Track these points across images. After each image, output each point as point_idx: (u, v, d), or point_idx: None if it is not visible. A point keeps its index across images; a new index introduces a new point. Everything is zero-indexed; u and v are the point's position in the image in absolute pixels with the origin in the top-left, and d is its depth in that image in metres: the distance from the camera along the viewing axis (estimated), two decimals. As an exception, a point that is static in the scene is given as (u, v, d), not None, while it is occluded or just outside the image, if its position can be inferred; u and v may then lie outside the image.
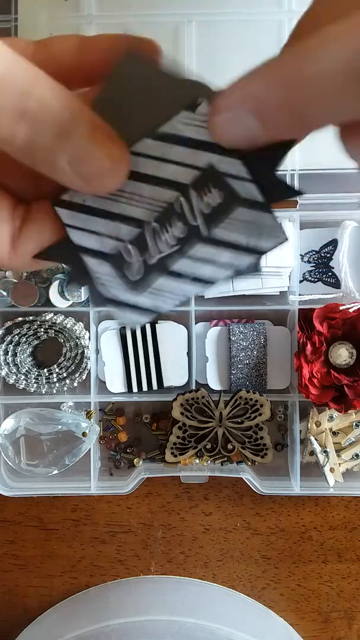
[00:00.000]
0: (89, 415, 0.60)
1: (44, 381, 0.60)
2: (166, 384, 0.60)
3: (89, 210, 0.25)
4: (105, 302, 0.27)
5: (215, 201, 0.25)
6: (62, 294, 0.59)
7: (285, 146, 0.23)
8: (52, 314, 0.59)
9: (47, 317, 0.59)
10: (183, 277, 0.27)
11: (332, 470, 0.59)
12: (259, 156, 0.24)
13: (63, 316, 0.59)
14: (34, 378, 0.60)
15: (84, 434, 0.59)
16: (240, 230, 0.26)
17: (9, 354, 0.60)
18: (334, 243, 0.60)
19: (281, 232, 0.26)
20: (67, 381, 0.60)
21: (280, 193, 0.25)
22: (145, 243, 0.26)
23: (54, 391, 0.60)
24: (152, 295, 0.28)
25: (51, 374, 0.60)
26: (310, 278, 0.61)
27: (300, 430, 0.60)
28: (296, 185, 0.59)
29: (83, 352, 0.60)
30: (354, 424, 0.60)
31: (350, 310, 0.57)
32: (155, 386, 0.60)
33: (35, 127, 0.21)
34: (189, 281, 0.27)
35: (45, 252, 0.26)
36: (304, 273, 0.61)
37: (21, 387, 0.60)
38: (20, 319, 0.59)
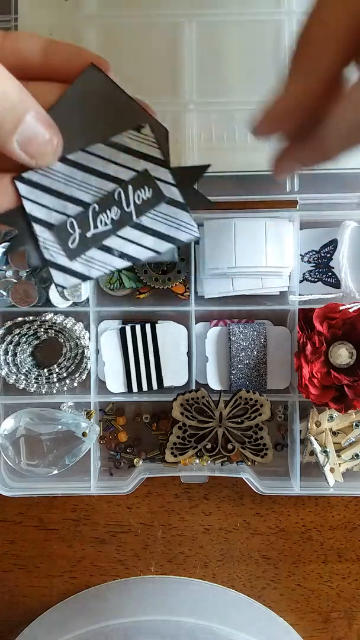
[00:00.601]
0: (89, 415, 0.60)
1: (44, 381, 0.60)
2: (166, 384, 0.60)
3: (44, 189, 0.32)
4: (43, 262, 0.34)
5: (145, 196, 0.33)
6: (62, 294, 0.59)
7: (204, 168, 0.33)
8: (52, 314, 0.59)
9: (47, 317, 0.59)
10: (112, 252, 0.34)
11: (332, 470, 0.59)
12: (184, 171, 0.33)
13: (63, 316, 0.59)
14: (34, 378, 0.60)
15: (84, 434, 0.59)
16: (162, 221, 0.34)
17: (9, 354, 0.60)
18: (334, 243, 0.60)
19: (194, 230, 0.34)
20: (67, 381, 0.60)
21: (195, 201, 0.33)
22: (86, 220, 0.33)
23: (54, 391, 0.60)
24: (84, 263, 0.34)
25: (51, 374, 0.60)
26: (310, 278, 0.61)
27: (300, 430, 0.60)
28: (296, 186, 0.59)
29: (83, 352, 0.60)
30: (354, 424, 0.60)
31: (350, 310, 0.57)
32: (155, 386, 0.60)
33: None
34: (117, 256, 0.34)
35: (1, 216, 0.32)
36: (304, 273, 0.61)
37: (21, 387, 0.60)
38: (20, 319, 0.59)
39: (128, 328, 0.60)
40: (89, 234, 0.34)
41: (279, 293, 0.60)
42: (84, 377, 0.60)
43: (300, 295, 0.59)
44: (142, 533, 0.63)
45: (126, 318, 0.61)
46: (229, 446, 0.58)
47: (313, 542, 0.63)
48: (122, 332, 0.60)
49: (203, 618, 0.56)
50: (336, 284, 0.60)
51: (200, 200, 0.34)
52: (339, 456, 0.60)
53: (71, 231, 0.33)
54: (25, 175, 0.32)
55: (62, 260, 0.34)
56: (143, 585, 0.63)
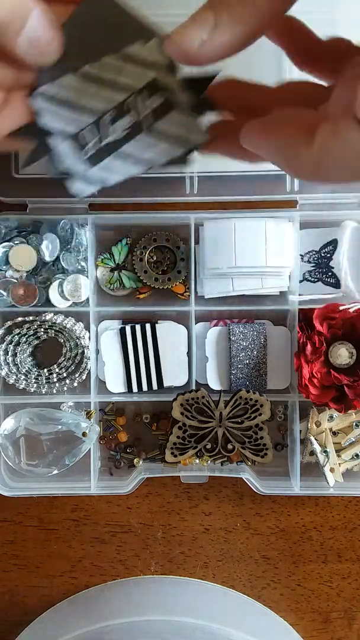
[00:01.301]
0: (89, 415, 0.60)
1: (44, 381, 0.60)
2: (166, 384, 0.60)
3: (58, 101, 0.33)
4: (60, 172, 0.35)
5: (157, 103, 0.34)
6: (62, 294, 0.59)
7: (213, 76, 0.33)
8: (52, 314, 0.59)
9: (47, 317, 0.59)
10: (127, 158, 0.35)
11: (332, 470, 0.59)
12: (194, 79, 0.33)
13: (63, 316, 0.59)
14: (34, 378, 0.60)
15: (84, 434, 0.59)
16: (174, 126, 0.34)
17: (9, 354, 0.60)
18: (334, 243, 0.60)
19: (203, 134, 0.34)
20: (67, 381, 0.60)
21: (204, 107, 0.34)
22: (100, 130, 0.34)
23: (54, 391, 0.60)
24: (101, 170, 0.35)
25: (51, 374, 0.60)
26: (310, 278, 0.61)
27: (300, 430, 0.60)
28: (296, 186, 0.59)
29: (83, 352, 0.60)
30: (354, 424, 0.60)
31: (350, 310, 0.57)
32: (155, 386, 0.60)
33: (3, 11, 0.28)
34: (132, 162, 0.35)
35: (16, 131, 0.33)
36: (304, 273, 0.61)
37: (21, 387, 0.60)
38: (20, 319, 0.59)
39: (128, 328, 0.60)
40: (104, 143, 0.35)
41: (279, 293, 0.60)
42: (84, 377, 0.60)
43: (300, 295, 0.59)
44: (142, 533, 0.63)
45: (126, 318, 0.61)
46: (229, 446, 0.58)
47: (313, 542, 0.63)
48: (122, 332, 0.60)
49: (203, 618, 0.56)
50: (336, 284, 0.60)
51: (208, 107, 0.35)
52: (339, 456, 0.60)
53: (87, 140, 0.35)
54: (39, 90, 0.32)
55: (79, 168, 0.36)
56: (143, 585, 0.63)
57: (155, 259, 0.61)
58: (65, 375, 0.60)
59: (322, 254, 0.61)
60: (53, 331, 0.60)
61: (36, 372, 0.61)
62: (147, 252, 0.61)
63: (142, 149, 0.35)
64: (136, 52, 0.33)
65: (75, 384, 0.60)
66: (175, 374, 0.60)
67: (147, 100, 0.34)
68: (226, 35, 0.26)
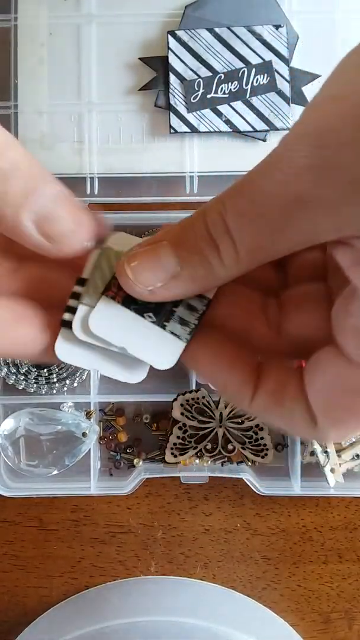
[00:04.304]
0: (88, 415, 0.60)
1: (44, 381, 0.60)
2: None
3: (188, 48, 0.44)
4: (167, 106, 0.47)
5: (263, 81, 0.43)
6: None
7: (316, 75, 0.44)
8: (52, 314, 0.59)
9: (47, 317, 0.59)
10: (221, 116, 0.46)
11: (332, 470, 0.59)
12: (300, 72, 0.44)
13: (63, 316, 0.59)
14: (34, 378, 0.60)
15: (83, 434, 0.59)
16: (267, 106, 0.45)
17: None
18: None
19: (289, 121, 0.44)
20: (67, 381, 0.60)
21: (299, 100, 0.45)
22: (211, 84, 0.44)
23: (54, 391, 0.60)
24: (197, 118, 0.47)
25: (51, 374, 0.60)
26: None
27: (301, 431, 0.60)
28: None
29: (83, 352, 0.60)
30: (355, 424, 0.60)
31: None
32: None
33: (4, 183, 0.22)
34: (223, 120, 0.46)
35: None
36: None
37: (21, 387, 0.60)
38: (20, 319, 0.59)
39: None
40: (209, 96, 0.42)
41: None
42: (83, 377, 0.60)
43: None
44: (142, 533, 0.63)
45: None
46: (229, 446, 0.58)
47: (313, 543, 0.63)
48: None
49: (203, 619, 0.56)
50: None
51: (302, 100, 0.41)
52: (339, 456, 0.60)
53: (197, 89, 0.42)
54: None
55: (182, 109, 0.43)
56: (143, 585, 0.63)
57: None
58: (65, 375, 0.60)
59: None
60: (53, 331, 0.60)
61: (36, 372, 0.60)
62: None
63: (236, 113, 0.43)
64: (266, 34, 0.43)
65: (75, 384, 0.60)
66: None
67: (257, 75, 0.43)
68: (180, 289, 0.23)
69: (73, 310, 0.25)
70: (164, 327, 0.24)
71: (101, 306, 0.24)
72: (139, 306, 0.24)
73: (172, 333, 0.24)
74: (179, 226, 0.23)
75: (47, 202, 0.23)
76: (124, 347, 0.24)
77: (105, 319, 0.24)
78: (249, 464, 0.58)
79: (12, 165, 0.22)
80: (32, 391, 0.60)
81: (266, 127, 0.44)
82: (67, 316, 0.25)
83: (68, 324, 0.25)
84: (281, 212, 0.20)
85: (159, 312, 0.24)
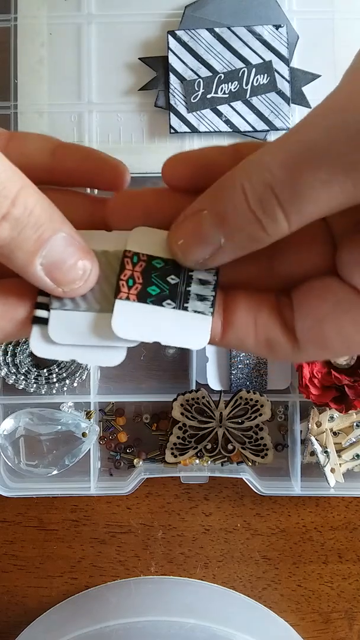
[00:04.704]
0: (88, 415, 0.60)
1: (44, 381, 0.60)
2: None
3: (188, 49, 0.44)
4: (168, 106, 0.46)
5: (263, 81, 0.42)
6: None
7: (315, 75, 0.46)
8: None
9: (47, 317, 0.59)
10: (221, 116, 0.46)
11: (332, 470, 0.59)
12: (300, 73, 0.44)
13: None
14: (34, 378, 0.60)
15: (83, 434, 0.59)
16: (267, 106, 0.44)
17: (9, 354, 0.60)
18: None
19: (289, 121, 0.44)
20: (67, 381, 0.60)
21: (300, 100, 0.47)
22: (211, 84, 0.44)
23: (54, 391, 0.60)
24: (197, 118, 0.46)
25: (51, 374, 0.60)
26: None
27: (301, 431, 0.60)
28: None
29: (83, 352, 0.60)
30: (355, 424, 0.60)
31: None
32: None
33: (18, 229, 0.23)
34: (223, 120, 0.46)
35: None
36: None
37: (21, 387, 0.60)
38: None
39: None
40: (209, 96, 0.42)
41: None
42: (83, 377, 0.60)
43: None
44: (142, 533, 0.63)
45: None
46: (229, 446, 0.58)
47: (313, 543, 0.63)
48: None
49: (203, 619, 0.56)
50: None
51: (302, 100, 0.42)
52: (339, 456, 0.60)
53: (197, 89, 0.42)
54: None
55: (182, 109, 0.43)
56: (143, 585, 0.63)
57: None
58: (65, 375, 0.60)
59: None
60: (53, 331, 0.60)
61: (36, 373, 0.60)
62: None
63: (236, 113, 0.44)
64: (266, 34, 0.44)
65: (75, 384, 0.60)
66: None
67: (258, 76, 0.43)
68: (227, 256, 0.24)
69: (45, 307, 0.25)
70: (185, 308, 0.25)
71: (119, 309, 0.25)
72: (155, 297, 0.25)
73: (195, 311, 0.25)
74: (216, 193, 0.23)
75: (57, 251, 0.24)
76: (157, 341, 0.25)
77: (127, 321, 0.25)
78: (249, 464, 0.58)
79: (26, 211, 0.23)
80: (32, 391, 0.60)
81: (266, 127, 0.43)
82: (39, 313, 0.25)
83: (41, 321, 0.25)
84: (347, 175, 0.20)
85: (175, 296, 0.25)
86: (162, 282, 0.25)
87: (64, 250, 0.24)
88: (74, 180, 0.28)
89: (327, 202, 0.21)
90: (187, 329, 0.25)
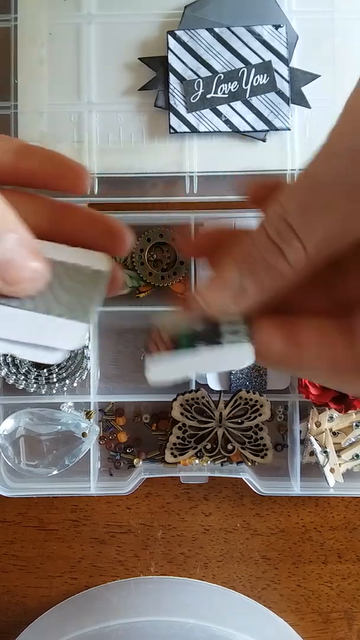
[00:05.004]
0: (88, 415, 0.60)
1: (44, 381, 0.60)
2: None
3: (188, 48, 0.42)
4: (167, 106, 0.44)
5: (262, 81, 0.43)
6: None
7: (316, 75, 0.46)
8: (51, 314, 0.59)
9: (47, 317, 0.59)
10: (220, 116, 0.45)
11: (332, 470, 0.59)
12: (299, 72, 0.44)
13: (63, 316, 0.59)
14: (34, 378, 0.60)
15: (83, 434, 0.59)
16: (266, 106, 0.45)
17: (9, 354, 0.60)
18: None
19: (288, 122, 0.44)
20: (67, 381, 0.60)
21: (299, 100, 0.44)
22: (210, 84, 0.45)
23: (54, 391, 0.60)
24: (196, 117, 0.46)
25: (51, 374, 0.60)
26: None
27: (300, 431, 0.60)
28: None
29: (83, 352, 0.60)
30: (354, 424, 0.60)
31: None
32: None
33: None
34: (223, 120, 0.47)
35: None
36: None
37: (21, 387, 0.60)
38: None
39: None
40: (208, 96, 0.42)
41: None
42: (83, 377, 0.60)
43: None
44: (141, 533, 0.63)
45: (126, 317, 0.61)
46: (229, 446, 0.58)
47: (313, 543, 0.63)
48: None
49: (203, 619, 0.56)
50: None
51: (302, 100, 0.42)
52: (339, 456, 0.60)
53: (196, 89, 0.42)
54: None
55: (181, 109, 0.43)
56: (143, 585, 0.63)
57: (155, 257, 0.61)
58: (65, 375, 0.60)
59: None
60: (53, 331, 0.60)
61: (36, 373, 0.60)
62: (146, 252, 0.61)
63: (235, 113, 0.43)
64: (266, 35, 0.42)
65: (75, 384, 0.60)
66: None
67: (257, 76, 0.42)
68: (250, 300, 0.25)
69: None
70: (222, 345, 0.25)
71: (152, 364, 0.25)
72: (188, 343, 0.25)
73: (230, 343, 0.25)
74: (239, 245, 0.24)
75: (7, 250, 0.24)
76: (202, 374, 0.26)
77: (164, 371, 0.25)
78: (249, 464, 0.58)
79: None
80: (32, 391, 0.60)
81: (266, 127, 0.43)
82: None
83: None
84: (348, 197, 0.21)
85: (208, 338, 0.25)
86: (191, 338, 0.25)
87: (14, 250, 0.25)
88: (36, 182, 0.28)
89: (334, 224, 0.22)
90: (230, 358, 0.25)
